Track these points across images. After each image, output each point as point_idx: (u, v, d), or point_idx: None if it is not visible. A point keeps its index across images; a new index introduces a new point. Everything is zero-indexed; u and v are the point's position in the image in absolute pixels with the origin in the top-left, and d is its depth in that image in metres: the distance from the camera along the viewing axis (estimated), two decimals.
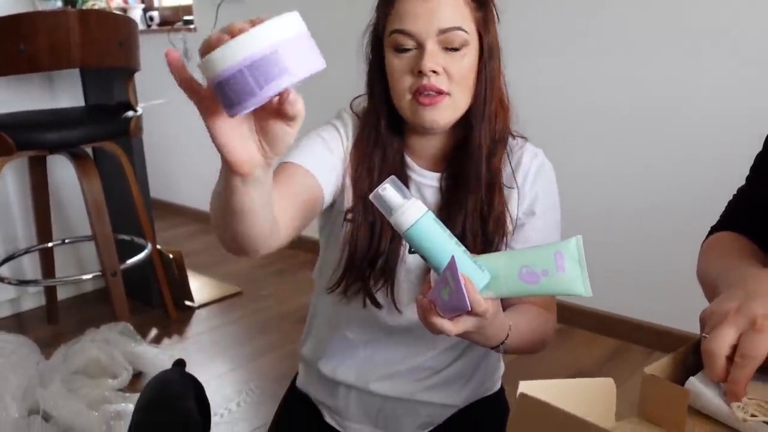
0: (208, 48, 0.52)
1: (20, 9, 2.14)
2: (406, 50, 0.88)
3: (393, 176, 0.72)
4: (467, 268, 0.71)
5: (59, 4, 3.88)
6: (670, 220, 1.99)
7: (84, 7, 3.84)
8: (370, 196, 0.72)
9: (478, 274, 0.72)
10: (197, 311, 2.51)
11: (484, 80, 0.91)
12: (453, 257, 0.68)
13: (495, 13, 0.93)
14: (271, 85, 0.52)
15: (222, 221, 0.71)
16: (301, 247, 3.06)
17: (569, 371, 2.01)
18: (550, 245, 0.73)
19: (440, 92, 0.87)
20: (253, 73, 0.51)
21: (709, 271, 0.84)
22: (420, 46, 0.87)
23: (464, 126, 0.94)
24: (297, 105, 0.55)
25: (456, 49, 0.87)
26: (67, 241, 2.47)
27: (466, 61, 0.88)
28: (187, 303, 2.53)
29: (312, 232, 1.05)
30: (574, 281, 0.71)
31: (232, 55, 0.51)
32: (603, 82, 2.07)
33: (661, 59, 1.94)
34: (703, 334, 0.64)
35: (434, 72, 0.86)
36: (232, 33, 0.52)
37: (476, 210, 0.93)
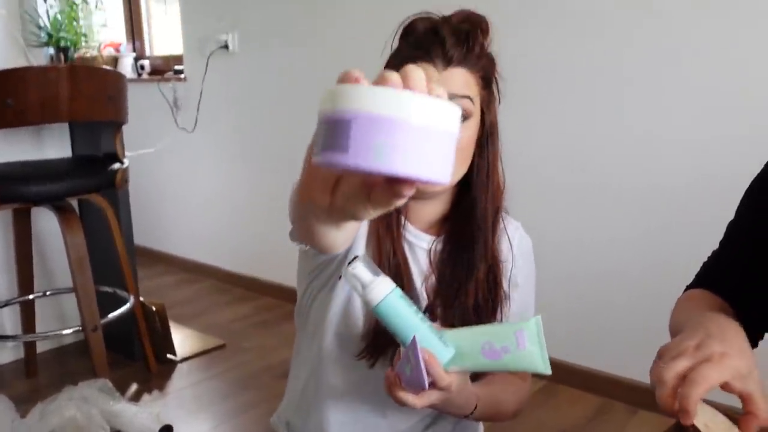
0: (340, 79, 0.44)
1: (12, 57, 2.16)
2: None
3: (363, 254, 0.74)
4: (432, 343, 0.75)
5: (51, 51, 3.93)
6: (654, 280, 2.01)
7: (77, 56, 3.89)
8: (342, 272, 0.75)
9: (442, 350, 0.76)
10: (179, 365, 2.48)
11: (487, 155, 0.96)
12: (414, 336, 0.73)
13: (497, 93, 0.97)
14: (370, 157, 0.40)
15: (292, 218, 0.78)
16: (284, 297, 3.05)
17: (552, 430, 2.00)
18: (512, 324, 0.79)
19: None
20: (357, 132, 0.40)
21: (678, 321, 0.89)
22: None
23: (460, 194, 0.98)
24: (399, 199, 0.44)
25: (462, 119, 0.90)
26: (48, 293, 2.44)
27: (468, 133, 0.92)
28: (169, 356, 2.50)
29: (295, 282, 1.05)
30: (534, 359, 0.76)
31: (348, 99, 0.40)
32: (587, 145, 2.11)
33: (639, 123, 1.98)
34: (660, 364, 0.66)
35: None
36: (383, 81, 0.42)
37: (486, 279, 0.97)
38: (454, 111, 0.43)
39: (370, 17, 2.57)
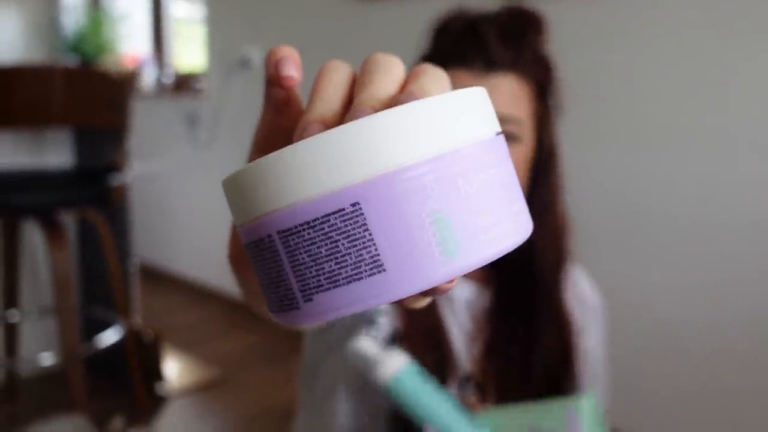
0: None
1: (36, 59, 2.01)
2: None
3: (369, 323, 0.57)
4: (461, 429, 0.61)
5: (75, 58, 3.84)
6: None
7: (99, 64, 3.79)
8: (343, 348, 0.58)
9: None
10: (172, 399, 2.26)
11: (545, 187, 0.75)
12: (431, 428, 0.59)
13: (557, 104, 0.75)
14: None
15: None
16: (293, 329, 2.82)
17: None
18: (561, 402, 0.64)
19: None
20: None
21: None
22: None
23: None
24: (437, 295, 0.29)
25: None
26: (34, 314, 2.26)
27: (514, 159, 0.70)
28: (161, 389, 2.28)
29: None
30: None
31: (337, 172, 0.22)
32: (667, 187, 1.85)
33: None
34: None
35: None
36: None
37: (557, 347, 0.76)
38: (478, 95, 0.26)
39: (410, 16, 2.36)
